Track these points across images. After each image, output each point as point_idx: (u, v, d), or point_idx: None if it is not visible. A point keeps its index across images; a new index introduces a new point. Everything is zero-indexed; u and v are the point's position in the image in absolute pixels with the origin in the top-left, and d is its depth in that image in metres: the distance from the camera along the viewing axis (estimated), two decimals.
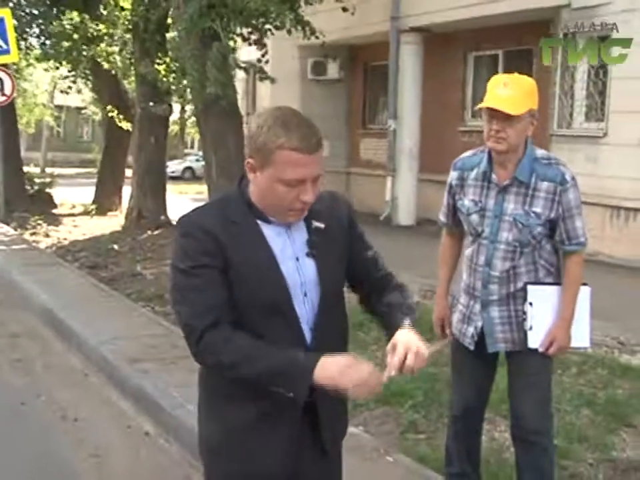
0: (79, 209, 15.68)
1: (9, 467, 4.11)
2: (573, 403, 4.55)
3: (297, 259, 2.15)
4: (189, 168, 31.39)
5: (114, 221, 13.56)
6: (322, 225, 2.18)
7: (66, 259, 9.98)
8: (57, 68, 14.51)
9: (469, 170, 3.10)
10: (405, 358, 2.06)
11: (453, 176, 3.18)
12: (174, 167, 29.71)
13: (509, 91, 2.90)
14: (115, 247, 10.49)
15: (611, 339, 5.83)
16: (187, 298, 2.11)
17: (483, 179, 3.05)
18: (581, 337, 3.11)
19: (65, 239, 11.70)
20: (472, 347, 3.11)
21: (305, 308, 2.16)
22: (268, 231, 2.15)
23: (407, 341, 2.09)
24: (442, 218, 3.31)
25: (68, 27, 13.47)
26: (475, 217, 3.05)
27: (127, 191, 14.01)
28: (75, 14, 13.66)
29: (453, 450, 3.39)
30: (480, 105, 2.96)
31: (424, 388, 4.74)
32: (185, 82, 9.50)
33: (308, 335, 2.15)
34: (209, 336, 2.06)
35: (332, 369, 2.00)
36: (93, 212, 14.90)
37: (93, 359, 5.79)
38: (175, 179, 26.88)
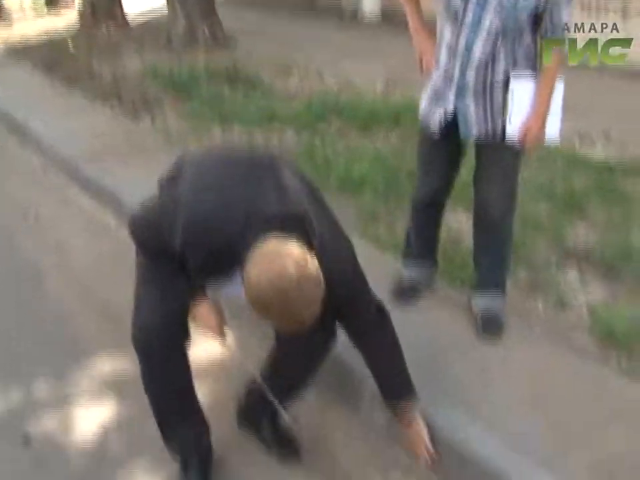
0: (29, 7, 14.91)
1: None
2: (531, 194, 4.61)
3: None
4: None
5: (67, 19, 12.96)
6: None
7: (19, 59, 9.60)
8: None
9: None
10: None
11: None
12: None
13: None
14: (70, 45, 10.07)
15: (573, 132, 5.84)
16: (147, 223, 2.41)
17: None
18: (552, 130, 3.07)
19: (17, 39, 11.21)
20: (437, 131, 3.03)
21: None
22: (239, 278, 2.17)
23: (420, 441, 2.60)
24: None
25: None
26: (457, 0, 2.89)
27: None
28: None
29: (413, 237, 3.45)
30: None
31: (384, 176, 4.77)
32: None
33: None
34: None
35: (194, 313, 2.43)
36: (45, 10, 14.20)
37: (52, 158, 5.72)
38: None
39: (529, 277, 3.76)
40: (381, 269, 3.65)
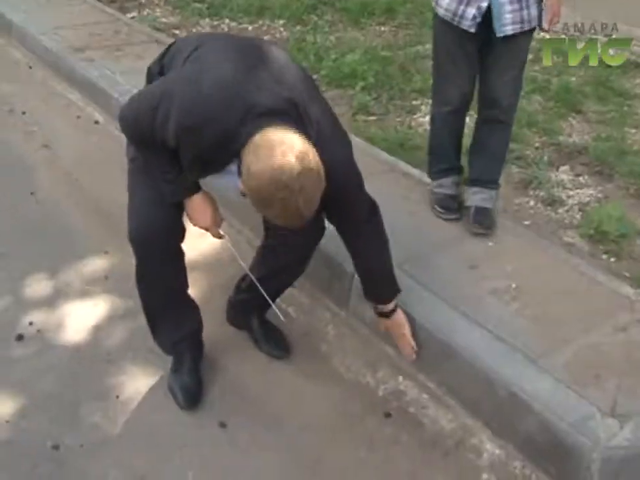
0: None
1: None
2: (525, 89, 4.54)
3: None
4: None
5: None
6: None
7: None
8: None
9: None
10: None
11: None
12: None
13: None
14: None
15: (571, 26, 5.70)
16: (138, 115, 2.25)
17: None
18: None
19: None
20: (473, 30, 2.92)
21: None
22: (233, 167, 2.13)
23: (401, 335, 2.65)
24: None
25: None
26: None
27: None
28: None
29: (444, 145, 3.35)
30: None
31: (375, 70, 4.70)
32: None
33: None
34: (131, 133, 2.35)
35: (188, 211, 2.38)
36: None
37: (37, 51, 5.57)
38: None
39: (521, 174, 3.75)
40: (371, 160, 3.63)
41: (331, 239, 2.53)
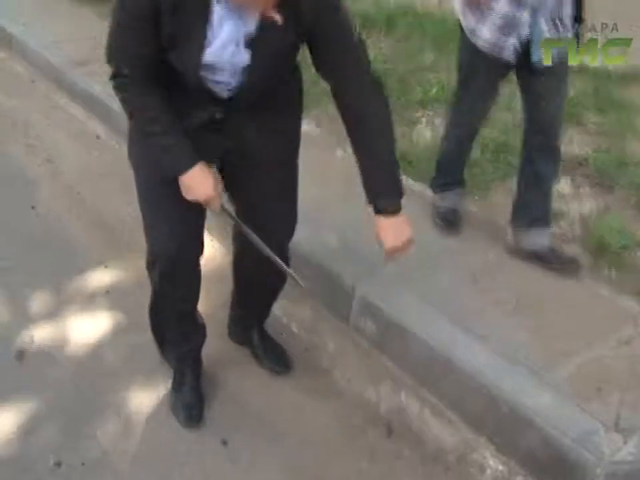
0: None
1: None
2: None
3: (237, 45, 2.03)
4: None
5: None
6: (278, 18, 1.90)
7: None
8: None
9: None
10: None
11: None
12: None
13: None
14: None
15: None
16: (116, 38, 2.08)
17: None
18: None
19: None
20: (513, 60, 2.89)
21: (231, 79, 2.11)
22: (218, 9, 1.96)
23: (393, 240, 2.15)
24: None
25: None
26: None
27: None
28: None
29: (453, 162, 3.39)
30: None
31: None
32: None
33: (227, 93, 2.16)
34: (122, 80, 2.12)
35: (187, 182, 2.15)
36: None
37: (38, 65, 5.58)
38: None
39: None
40: None
41: (331, 252, 2.53)
